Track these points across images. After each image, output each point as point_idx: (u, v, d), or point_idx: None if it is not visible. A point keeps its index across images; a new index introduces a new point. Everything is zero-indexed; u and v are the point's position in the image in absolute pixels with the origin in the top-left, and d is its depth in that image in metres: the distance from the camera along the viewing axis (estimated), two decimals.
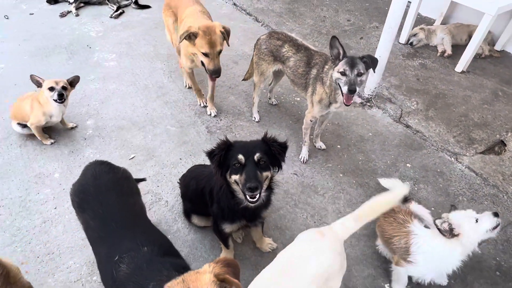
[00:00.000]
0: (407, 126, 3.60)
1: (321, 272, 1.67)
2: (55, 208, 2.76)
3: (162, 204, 2.81)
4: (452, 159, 3.25)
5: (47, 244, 2.52)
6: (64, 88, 3.02)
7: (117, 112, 3.67)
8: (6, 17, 5.36)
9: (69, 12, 5.49)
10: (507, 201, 2.88)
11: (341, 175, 3.09)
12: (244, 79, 3.75)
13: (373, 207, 1.85)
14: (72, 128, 3.41)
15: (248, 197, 1.79)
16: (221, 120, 3.63)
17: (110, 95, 3.90)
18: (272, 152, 1.83)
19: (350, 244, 2.57)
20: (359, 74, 2.46)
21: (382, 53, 3.57)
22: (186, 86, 4.00)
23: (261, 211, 2.04)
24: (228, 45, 3.05)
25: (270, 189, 1.99)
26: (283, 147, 1.87)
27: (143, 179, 2.74)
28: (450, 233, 2.00)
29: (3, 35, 4.91)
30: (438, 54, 4.61)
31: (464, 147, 3.34)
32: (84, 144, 3.31)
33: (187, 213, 2.60)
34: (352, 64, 2.44)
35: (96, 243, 1.81)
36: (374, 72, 2.64)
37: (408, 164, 3.20)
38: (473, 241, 2.00)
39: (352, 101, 2.56)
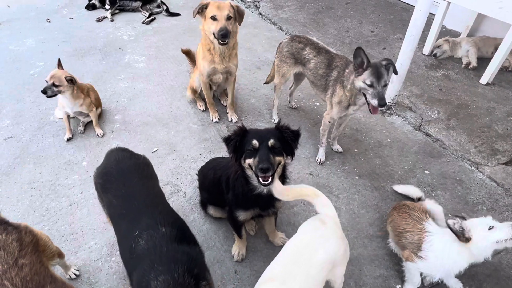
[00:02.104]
0: (427, 134, 3.58)
1: (329, 258, 1.71)
2: (81, 192, 2.93)
3: (180, 195, 2.92)
4: (473, 168, 3.20)
5: (72, 225, 2.68)
6: (54, 85, 3.11)
7: (143, 109, 3.87)
8: (48, 20, 5.79)
9: (105, 17, 5.87)
10: None
11: (356, 177, 3.10)
12: (266, 82, 3.87)
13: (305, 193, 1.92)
14: (98, 136, 3.47)
15: (260, 180, 1.86)
16: (241, 120, 3.74)
17: (138, 93, 4.12)
18: (286, 140, 1.90)
19: (362, 244, 2.57)
20: (385, 85, 2.49)
21: (403, 61, 3.60)
22: (200, 108, 3.88)
23: (274, 199, 2.10)
24: (239, 24, 3.14)
25: (283, 177, 2.05)
26: (296, 134, 1.94)
27: None
28: (462, 235, 1.96)
29: (44, 36, 5.30)
30: (463, 66, 4.56)
31: (486, 157, 3.28)
32: (111, 136, 3.50)
33: (204, 204, 2.70)
34: (378, 75, 2.43)
35: (118, 219, 1.92)
36: (397, 74, 2.68)
37: (426, 171, 3.17)
38: (482, 249, 1.92)
39: (379, 111, 2.57)
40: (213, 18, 2.97)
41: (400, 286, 2.32)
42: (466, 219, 2.01)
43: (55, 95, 3.18)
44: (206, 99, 3.65)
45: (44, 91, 3.12)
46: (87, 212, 2.77)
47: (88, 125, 3.60)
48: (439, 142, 3.48)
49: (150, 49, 5.03)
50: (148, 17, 5.82)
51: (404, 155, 3.34)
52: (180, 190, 2.96)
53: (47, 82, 3.14)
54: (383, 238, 2.59)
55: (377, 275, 2.38)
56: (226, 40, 3.02)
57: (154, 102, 3.98)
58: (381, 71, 2.45)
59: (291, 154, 1.97)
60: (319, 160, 3.22)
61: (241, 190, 2.04)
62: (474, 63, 4.51)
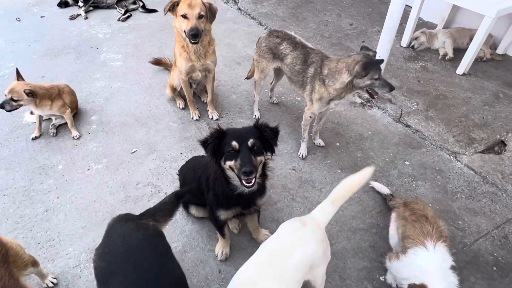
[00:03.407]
0: (407, 126, 3.62)
1: (305, 261, 1.68)
2: (57, 197, 2.82)
3: (161, 196, 2.85)
4: (451, 157, 3.26)
5: (48, 231, 2.58)
6: (13, 99, 2.99)
7: (121, 109, 3.76)
8: (18, 19, 5.55)
9: (78, 15, 5.67)
10: (505, 198, 2.87)
11: (339, 171, 3.11)
12: (247, 78, 3.82)
13: (345, 189, 1.88)
14: (74, 138, 3.36)
15: (244, 182, 1.82)
16: (222, 117, 3.69)
17: (114, 92, 4.00)
18: (265, 137, 1.87)
19: (346, 237, 2.58)
20: None
21: (382, 53, 3.62)
22: (179, 106, 3.81)
23: (256, 198, 2.07)
24: (211, 23, 3.05)
25: (264, 175, 2.02)
26: (275, 132, 1.91)
27: None
28: None
29: (14, 36, 5.09)
30: (440, 57, 4.64)
31: (463, 147, 3.34)
32: (87, 138, 3.39)
33: (185, 204, 2.64)
34: (379, 68, 2.57)
35: None
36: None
37: (406, 162, 3.21)
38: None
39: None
40: (184, 17, 2.89)
41: (384, 277, 2.34)
42: None
43: (16, 109, 3.05)
44: (186, 96, 3.58)
45: (1, 106, 2.99)
46: (64, 218, 2.67)
47: (63, 126, 3.48)
48: (419, 133, 3.53)
49: (126, 47, 4.90)
50: (124, 14, 5.65)
51: (385, 147, 3.37)
52: (161, 190, 2.90)
53: (5, 96, 3.00)
54: (366, 231, 2.61)
55: (361, 267, 2.40)
56: (197, 40, 2.95)
57: (132, 102, 3.87)
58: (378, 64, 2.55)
59: (271, 151, 1.94)
60: (301, 155, 3.21)
61: (222, 190, 1.99)
62: (450, 54, 4.58)
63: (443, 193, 2.93)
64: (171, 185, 2.95)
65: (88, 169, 3.07)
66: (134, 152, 3.25)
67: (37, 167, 3.08)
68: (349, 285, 2.30)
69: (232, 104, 3.89)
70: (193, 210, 2.59)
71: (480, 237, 2.59)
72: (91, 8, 5.89)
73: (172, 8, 2.94)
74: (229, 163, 1.85)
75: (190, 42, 2.99)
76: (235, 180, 1.93)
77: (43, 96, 3.16)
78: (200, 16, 2.90)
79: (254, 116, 3.67)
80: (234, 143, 1.82)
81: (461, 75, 4.31)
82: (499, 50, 4.69)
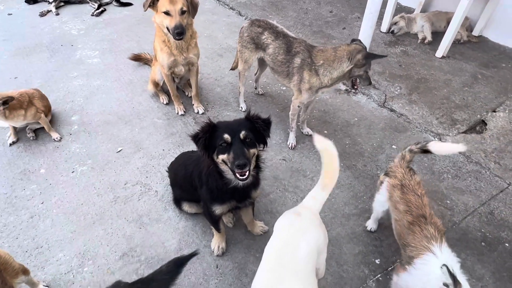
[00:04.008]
0: (392, 110, 3.67)
1: (312, 249, 1.66)
2: (42, 203, 2.71)
3: (151, 194, 2.79)
4: (436, 139, 3.33)
5: (35, 238, 2.48)
6: None
7: (102, 107, 3.64)
8: None
9: (49, 11, 5.42)
10: (489, 176, 2.96)
11: None
12: (231, 69, 3.77)
13: (328, 169, 1.80)
14: (55, 140, 3.23)
15: (238, 175, 1.80)
16: (208, 111, 3.63)
17: (94, 91, 3.86)
18: (257, 129, 1.84)
19: (340, 223, 2.61)
20: None
21: (364, 38, 3.64)
22: (163, 101, 3.71)
23: (250, 190, 2.05)
24: (193, 17, 2.99)
25: (258, 167, 2.00)
26: (267, 123, 1.88)
27: None
28: None
29: None
30: (419, 41, 4.71)
31: (447, 128, 3.43)
32: (69, 139, 3.27)
33: (177, 201, 2.60)
34: (371, 62, 2.68)
35: None
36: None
37: (393, 146, 3.26)
38: None
39: None
40: (166, 13, 2.79)
41: (379, 260, 2.39)
42: None
43: None
44: (170, 91, 3.49)
45: None
46: (51, 223, 2.57)
47: (42, 129, 3.32)
48: (403, 117, 3.58)
49: (103, 42, 4.72)
50: (98, 9, 5.45)
51: (372, 133, 3.41)
52: (151, 189, 2.83)
53: None
54: (359, 216, 2.65)
55: (357, 252, 2.43)
56: (182, 37, 2.86)
57: (113, 99, 3.75)
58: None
59: (264, 143, 1.91)
60: (290, 145, 3.21)
61: (215, 184, 1.96)
62: (429, 37, 4.66)
63: (430, 174, 2.99)
64: (161, 182, 2.89)
65: (72, 172, 2.97)
66: (119, 151, 3.15)
67: (18, 173, 2.95)
68: (346, 270, 2.33)
69: (217, 97, 3.83)
70: (186, 206, 2.55)
71: (468, 215, 2.67)
72: (62, 4, 5.64)
73: (153, 3, 2.82)
74: (222, 156, 1.81)
75: (175, 39, 2.90)
76: (228, 173, 1.91)
77: (13, 106, 2.93)
78: (182, 12, 2.80)
79: (240, 108, 3.63)
80: (226, 136, 1.78)
81: (441, 58, 4.40)
82: (475, 32, 4.81)
